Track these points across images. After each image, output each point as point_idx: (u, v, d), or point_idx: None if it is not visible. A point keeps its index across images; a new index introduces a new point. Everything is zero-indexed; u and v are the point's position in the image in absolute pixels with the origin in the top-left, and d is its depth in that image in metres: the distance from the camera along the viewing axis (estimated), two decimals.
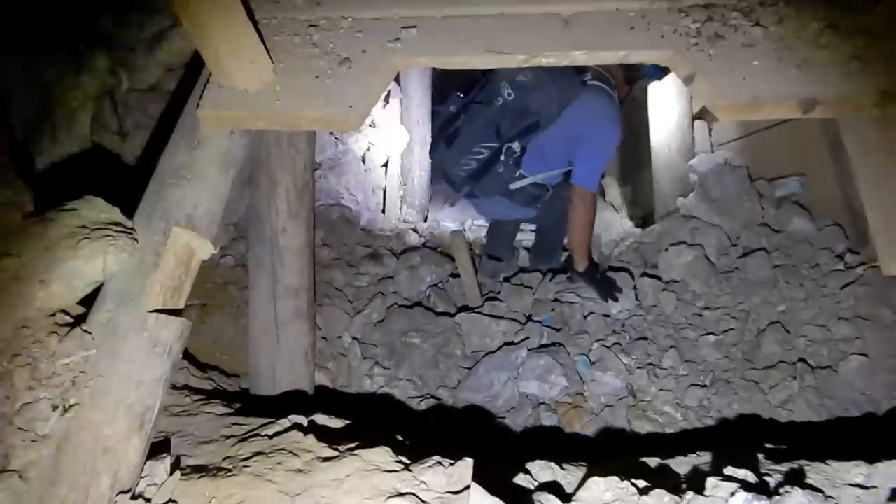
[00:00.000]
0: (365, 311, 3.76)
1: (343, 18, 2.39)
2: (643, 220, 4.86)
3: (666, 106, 4.15)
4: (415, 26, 2.30)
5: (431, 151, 3.55)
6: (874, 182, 2.17)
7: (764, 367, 2.90)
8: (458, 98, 3.29)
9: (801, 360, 2.86)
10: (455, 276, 4.01)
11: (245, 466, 1.82)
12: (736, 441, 2.38)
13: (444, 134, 3.25)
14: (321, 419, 2.18)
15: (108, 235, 1.88)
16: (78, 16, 3.34)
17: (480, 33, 2.29)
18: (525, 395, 3.04)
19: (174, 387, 2.55)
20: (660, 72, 3.12)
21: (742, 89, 2.04)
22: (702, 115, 4.15)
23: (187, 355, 2.98)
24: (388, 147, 5.35)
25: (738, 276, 3.31)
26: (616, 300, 3.28)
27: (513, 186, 3.25)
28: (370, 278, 4.02)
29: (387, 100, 5.33)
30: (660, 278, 3.45)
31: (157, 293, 1.93)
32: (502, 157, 3.12)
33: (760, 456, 1.77)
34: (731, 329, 3.10)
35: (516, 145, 3.09)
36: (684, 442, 2.58)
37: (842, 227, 3.32)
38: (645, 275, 3.48)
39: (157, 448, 1.91)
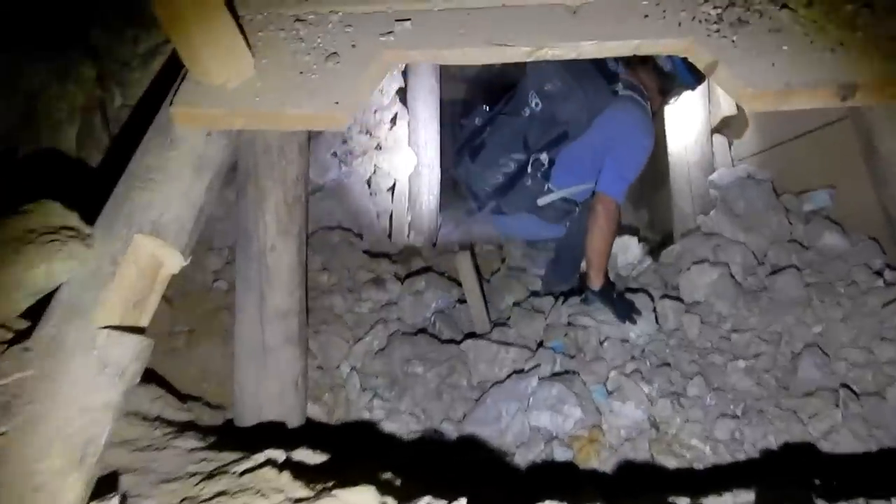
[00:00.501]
0: (365, 339, 3.53)
1: (333, 13, 2.20)
2: (661, 244, 4.60)
3: (683, 120, 3.93)
4: (409, 19, 2.09)
5: (455, 165, 3.37)
6: None
7: (802, 395, 2.61)
8: (483, 111, 3.16)
9: (844, 385, 2.58)
10: (463, 301, 3.77)
11: None
12: (777, 477, 2.09)
13: (469, 147, 3.10)
14: (301, 454, 1.93)
15: (55, 241, 1.67)
16: (67, 24, 3.19)
17: (481, 26, 2.08)
18: (536, 429, 2.77)
19: (144, 418, 2.31)
20: (694, 80, 2.95)
21: (771, 76, 1.81)
22: (721, 128, 3.91)
23: (165, 384, 2.74)
24: (395, 170, 5.14)
25: (768, 295, 3.04)
26: (634, 322, 3.01)
27: (541, 202, 3.07)
28: (372, 304, 3.80)
29: (394, 121, 5.14)
30: (682, 300, 3.18)
31: (112, 307, 1.71)
32: (530, 170, 2.97)
33: (812, 494, 1.49)
34: (763, 353, 2.82)
35: (544, 157, 2.95)
36: (716, 479, 2.30)
37: (878, 241, 3.07)
38: (665, 297, 3.21)
39: (106, 486, 1.66)
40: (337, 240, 4.02)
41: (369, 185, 4.87)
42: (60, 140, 3.03)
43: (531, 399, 2.83)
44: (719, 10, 1.99)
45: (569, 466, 2.62)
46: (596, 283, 3.01)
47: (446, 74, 5.68)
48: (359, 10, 2.21)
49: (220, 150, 2.08)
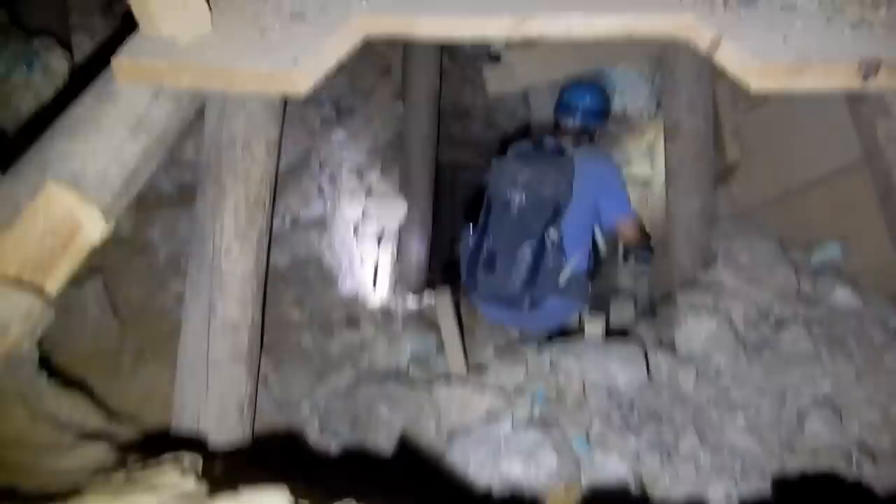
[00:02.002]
0: (331, 379, 3.24)
1: None
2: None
3: (685, 169, 3.73)
4: None
5: (471, 292, 3.41)
6: None
7: (809, 454, 2.31)
8: (470, 231, 3.33)
9: (858, 444, 2.27)
10: (442, 348, 3.49)
11: None
12: None
13: (480, 264, 3.24)
14: (220, 463, 1.64)
15: None
16: (48, 20, 3.07)
17: None
18: (507, 479, 2.44)
19: (58, 423, 2.02)
20: (602, 120, 3.51)
21: (782, 49, 1.60)
22: (725, 177, 3.71)
23: (100, 405, 2.45)
24: (384, 218, 4.94)
25: (772, 349, 2.75)
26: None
27: (562, 281, 3.19)
28: (344, 344, 3.53)
29: (387, 168, 4.98)
30: (676, 352, 2.90)
31: (5, 258, 1.45)
32: (548, 247, 3.13)
33: None
34: (765, 409, 2.52)
35: (553, 232, 3.12)
36: None
37: (894, 301, 2.82)
38: (659, 347, 2.94)
39: None
40: (312, 274, 3.78)
41: (355, 230, 4.66)
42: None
43: (503, 445, 2.52)
44: None
45: None
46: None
47: (444, 135, 5.53)
48: None
49: (165, 115, 1.87)
